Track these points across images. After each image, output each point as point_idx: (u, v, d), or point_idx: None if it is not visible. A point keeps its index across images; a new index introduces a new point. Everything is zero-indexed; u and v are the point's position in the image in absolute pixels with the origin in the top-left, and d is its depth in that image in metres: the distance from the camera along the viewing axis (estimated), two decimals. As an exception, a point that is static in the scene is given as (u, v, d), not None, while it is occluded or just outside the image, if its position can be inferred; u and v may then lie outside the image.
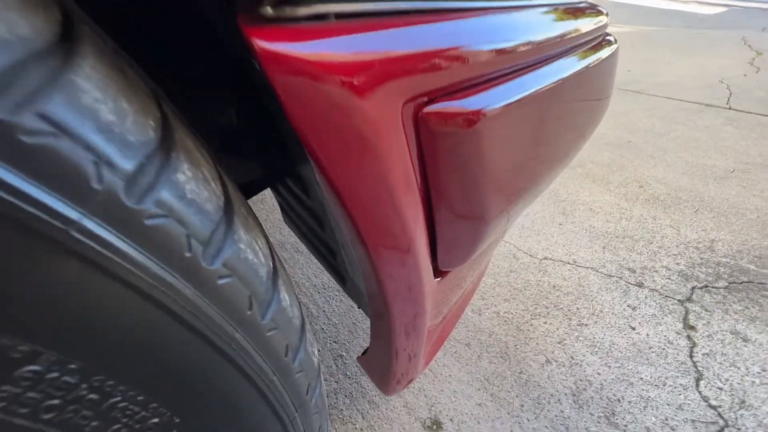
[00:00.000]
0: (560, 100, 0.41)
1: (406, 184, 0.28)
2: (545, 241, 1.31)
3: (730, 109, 2.39)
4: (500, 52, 0.31)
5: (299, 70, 0.19)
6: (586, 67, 0.45)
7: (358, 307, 1.07)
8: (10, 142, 0.09)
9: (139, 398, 0.17)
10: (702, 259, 1.22)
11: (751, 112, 2.32)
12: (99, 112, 0.12)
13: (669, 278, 1.15)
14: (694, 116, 2.29)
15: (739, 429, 0.78)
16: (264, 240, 0.24)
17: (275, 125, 0.46)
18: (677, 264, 1.20)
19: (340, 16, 0.20)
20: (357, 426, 0.80)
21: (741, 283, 1.13)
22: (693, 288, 1.11)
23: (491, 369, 0.90)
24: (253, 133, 0.59)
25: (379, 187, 0.26)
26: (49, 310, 0.13)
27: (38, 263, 0.11)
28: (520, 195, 0.40)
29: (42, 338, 0.13)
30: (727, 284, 1.12)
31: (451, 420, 0.80)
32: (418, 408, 0.83)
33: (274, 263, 0.24)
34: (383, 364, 0.57)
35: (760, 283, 1.12)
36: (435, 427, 0.79)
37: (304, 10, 0.19)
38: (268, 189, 0.73)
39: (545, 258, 1.23)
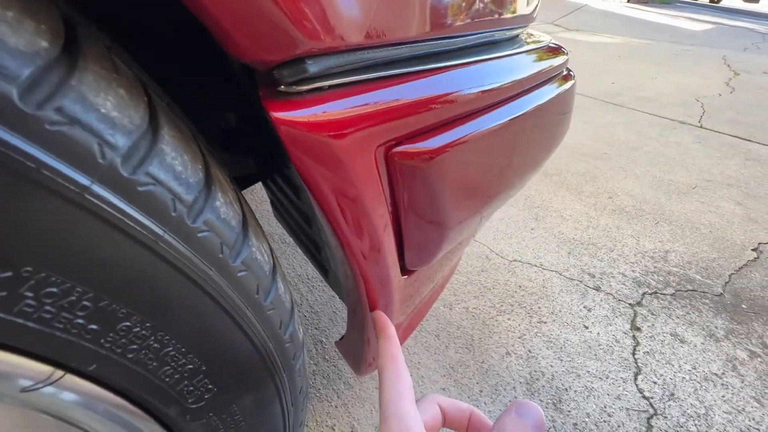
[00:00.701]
0: (511, 135, 0.49)
1: (378, 204, 0.36)
2: (516, 244, 1.41)
3: (701, 127, 2.53)
4: (456, 102, 0.39)
5: (301, 129, 0.26)
6: (539, 105, 0.53)
7: (339, 297, 1.15)
8: (39, 129, 0.16)
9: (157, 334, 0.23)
10: (655, 267, 1.34)
11: (719, 132, 2.47)
12: (98, 105, 0.18)
13: (624, 284, 1.26)
14: (667, 132, 2.42)
15: (666, 417, 0.90)
16: (237, 200, 0.30)
17: (270, 132, 0.53)
18: (633, 271, 1.32)
19: (331, 86, 0.28)
20: (332, 404, 0.88)
21: (686, 291, 1.25)
22: (644, 294, 1.23)
23: (456, 358, 1.00)
24: (249, 135, 0.66)
25: (357, 207, 0.34)
26: (106, 270, 0.20)
27: (61, 220, 0.18)
28: (472, 213, 0.49)
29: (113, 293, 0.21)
30: (673, 291, 1.24)
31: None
32: (388, 390, 0.92)
33: (244, 216, 0.30)
34: (357, 348, 0.65)
35: (703, 292, 1.25)
36: (402, 407, 0.89)
37: (306, 86, 0.26)
38: (259, 183, 0.80)
39: (515, 260, 1.34)
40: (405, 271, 0.51)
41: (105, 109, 0.18)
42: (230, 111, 0.63)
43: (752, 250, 1.46)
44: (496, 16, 0.47)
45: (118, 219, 0.18)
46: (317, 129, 0.27)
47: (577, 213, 1.60)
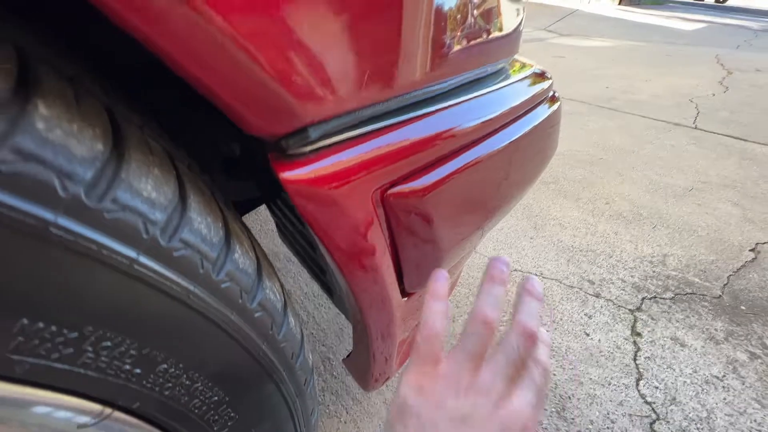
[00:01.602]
0: (499, 163, 0.53)
1: (376, 241, 0.40)
2: (516, 254, 1.44)
3: (696, 128, 2.57)
4: (444, 141, 0.43)
5: (305, 184, 0.30)
6: (526, 131, 0.57)
7: (344, 315, 1.18)
8: (99, 218, 0.19)
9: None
10: (654, 272, 1.36)
11: (714, 132, 2.51)
12: (141, 190, 0.22)
13: (623, 290, 1.29)
14: (662, 135, 2.46)
15: (668, 421, 0.92)
16: (252, 247, 0.32)
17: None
18: (632, 277, 1.34)
19: (330, 144, 0.32)
20: (342, 419, 0.91)
21: (685, 294, 1.27)
22: (643, 299, 1.25)
23: (461, 370, 1.02)
24: (252, 161, 0.69)
25: (358, 246, 0.38)
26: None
27: (115, 287, 0.21)
28: (466, 236, 0.52)
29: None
30: (673, 295, 1.27)
31: (424, 414, 0.92)
32: (396, 404, 0.94)
33: (258, 261, 0.33)
34: (363, 365, 0.68)
35: (702, 295, 1.27)
36: (410, 420, 0.91)
37: (309, 148, 0.30)
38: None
39: (515, 270, 1.36)
40: (405, 293, 0.55)
41: (146, 192, 0.22)
42: (234, 141, 0.67)
43: (750, 250, 1.48)
44: (480, 56, 0.51)
45: (159, 282, 0.22)
46: (319, 183, 0.31)
47: (576, 220, 1.63)
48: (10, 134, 0.17)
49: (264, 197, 0.83)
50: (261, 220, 1.56)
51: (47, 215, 0.18)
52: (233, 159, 0.70)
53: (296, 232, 0.76)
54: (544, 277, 1.33)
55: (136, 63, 0.41)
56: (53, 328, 0.19)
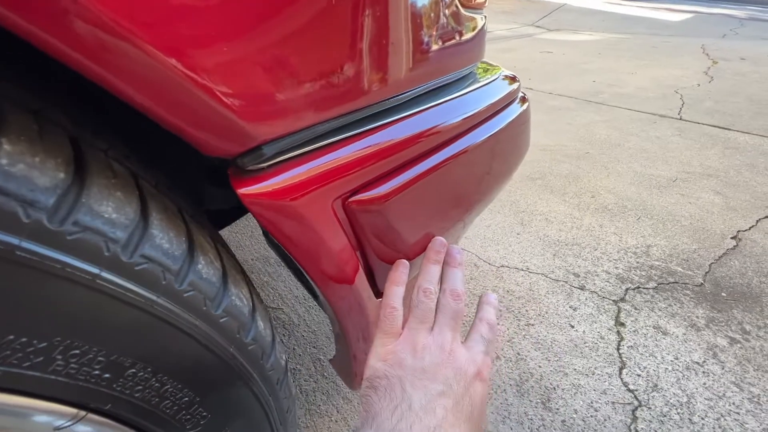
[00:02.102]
0: (463, 166, 0.56)
1: (342, 247, 0.42)
2: (503, 250, 1.47)
3: (680, 119, 2.60)
4: (405, 149, 0.45)
5: (264, 198, 0.33)
6: (490, 135, 0.60)
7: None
8: (62, 239, 0.21)
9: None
10: (638, 263, 1.39)
11: (698, 122, 2.54)
12: (102, 212, 0.24)
13: (608, 281, 1.32)
14: (648, 127, 2.49)
15: (650, 408, 0.94)
16: (218, 257, 0.35)
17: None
18: (616, 268, 1.37)
19: (286, 159, 0.35)
20: (333, 419, 0.94)
21: (668, 283, 1.30)
22: (627, 289, 1.28)
23: (449, 366, 1.05)
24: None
25: (324, 253, 0.40)
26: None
27: (80, 300, 0.24)
28: (434, 236, 0.55)
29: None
30: (656, 285, 1.30)
31: (413, 410, 0.95)
32: (385, 401, 0.97)
33: (224, 270, 0.35)
34: (346, 365, 0.71)
35: (684, 284, 1.30)
36: (399, 416, 0.94)
37: (265, 164, 0.33)
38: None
39: (502, 266, 1.39)
40: (378, 294, 0.57)
41: (107, 213, 0.24)
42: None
43: (731, 238, 1.51)
44: (441, 64, 0.53)
45: (122, 294, 0.24)
46: (277, 196, 0.33)
47: (562, 214, 1.66)
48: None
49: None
50: (252, 225, 1.58)
51: (12, 240, 0.20)
52: (215, 168, 0.72)
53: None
54: (530, 272, 1.36)
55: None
56: (23, 339, 0.21)
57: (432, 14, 0.45)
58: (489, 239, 1.53)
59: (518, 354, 1.08)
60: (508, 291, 1.28)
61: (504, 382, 1.01)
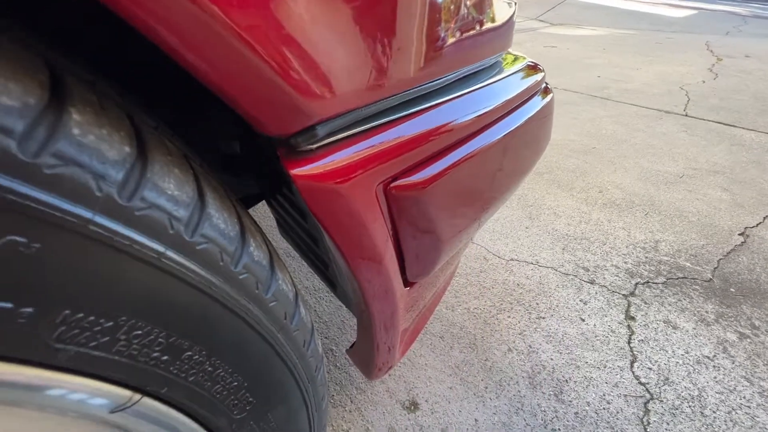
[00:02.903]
0: (496, 154, 0.55)
1: (380, 232, 0.41)
2: (512, 244, 1.46)
3: (686, 116, 2.60)
4: (443, 135, 0.44)
5: (313, 180, 0.32)
6: (520, 123, 0.59)
7: (347, 308, 1.20)
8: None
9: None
10: (647, 258, 1.40)
11: (704, 119, 2.54)
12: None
13: (617, 276, 1.32)
14: (654, 123, 2.49)
15: (662, 401, 0.95)
16: (264, 242, 0.33)
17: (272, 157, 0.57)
18: (625, 263, 1.37)
19: (336, 140, 0.34)
20: (347, 408, 0.94)
21: (677, 278, 1.31)
22: (636, 284, 1.29)
23: (461, 357, 1.05)
24: (252, 159, 0.70)
25: (362, 237, 0.39)
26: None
27: (147, 280, 0.23)
28: (465, 226, 0.54)
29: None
30: (665, 280, 1.30)
31: (426, 401, 0.95)
32: (398, 392, 0.97)
33: (270, 254, 0.33)
34: (368, 355, 0.70)
35: (693, 279, 1.31)
36: (413, 407, 0.94)
37: (316, 145, 0.32)
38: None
39: (512, 259, 1.39)
40: (407, 283, 0.57)
41: (170, 190, 0.23)
42: (235, 139, 0.68)
43: (739, 234, 1.52)
44: (475, 52, 0.52)
45: (184, 274, 0.23)
46: (327, 178, 0.32)
47: (570, 209, 1.66)
48: (51, 140, 0.18)
49: (264, 193, 0.83)
50: (257, 216, 1.57)
51: (86, 214, 0.19)
52: (232, 156, 0.71)
53: (298, 227, 0.78)
54: (540, 266, 1.36)
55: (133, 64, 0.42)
56: (91, 318, 0.21)
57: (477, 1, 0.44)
58: (498, 233, 1.52)
59: (530, 346, 1.08)
60: (518, 284, 1.28)
61: (516, 374, 1.01)
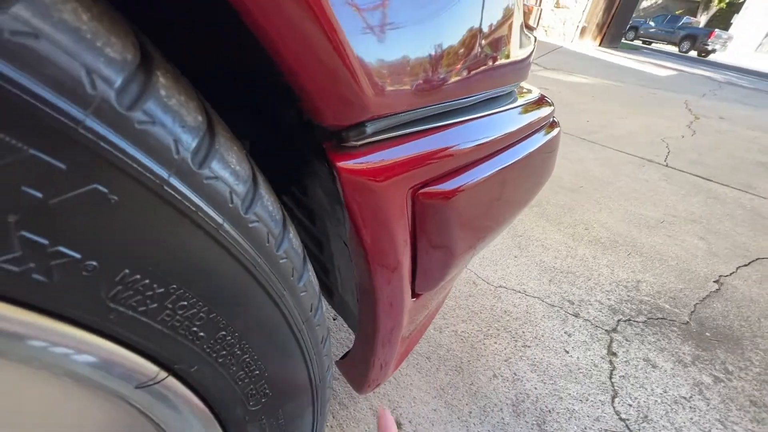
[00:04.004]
0: (513, 174, 0.57)
1: (403, 234, 0.42)
2: (501, 271, 1.48)
3: (667, 166, 2.74)
4: (472, 150, 0.46)
5: (354, 175, 0.32)
6: (535, 148, 0.61)
7: (334, 320, 1.18)
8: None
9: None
10: (628, 296, 1.44)
11: (683, 171, 2.68)
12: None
13: (600, 311, 1.35)
14: (637, 169, 2.61)
15: (640, 438, 0.96)
16: (296, 234, 0.34)
17: (288, 157, 0.56)
18: (608, 299, 1.41)
19: (378, 140, 0.35)
20: (329, 424, 0.91)
21: (657, 319, 1.35)
22: (618, 320, 1.32)
23: (447, 380, 1.04)
24: (264, 156, 0.70)
25: (386, 235, 0.40)
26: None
27: (201, 250, 0.23)
28: (478, 241, 0.55)
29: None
30: (645, 319, 1.34)
31: (409, 422, 0.93)
32: (382, 410, 0.95)
33: (304, 245, 0.34)
34: (360, 368, 0.69)
35: (671, 320, 1.35)
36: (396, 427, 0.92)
37: (362, 141, 0.33)
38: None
39: (500, 286, 1.41)
40: (415, 294, 0.57)
41: (233, 164, 0.24)
42: (246, 138, 0.68)
43: (714, 282, 1.58)
44: (507, 76, 0.55)
45: (237, 250, 0.23)
46: (369, 174, 0.33)
47: (557, 243, 1.70)
48: (143, 97, 0.18)
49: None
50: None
51: (163, 173, 0.19)
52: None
53: (303, 231, 0.77)
54: (527, 295, 1.38)
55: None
56: (146, 281, 0.20)
57: (513, 29, 0.47)
58: (488, 259, 1.54)
59: (515, 374, 1.08)
60: (505, 311, 1.29)
61: (501, 401, 1.00)
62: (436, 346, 1.14)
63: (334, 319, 1.17)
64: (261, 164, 0.71)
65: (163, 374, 0.25)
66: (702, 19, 24.10)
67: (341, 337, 1.14)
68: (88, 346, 0.21)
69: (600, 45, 9.76)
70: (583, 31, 9.26)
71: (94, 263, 0.18)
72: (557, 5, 8.99)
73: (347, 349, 0.70)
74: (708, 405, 1.07)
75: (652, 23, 17.65)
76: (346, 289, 0.65)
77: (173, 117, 0.20)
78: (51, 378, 0.23)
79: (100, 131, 0.17)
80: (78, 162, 0.16)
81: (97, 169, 0.17)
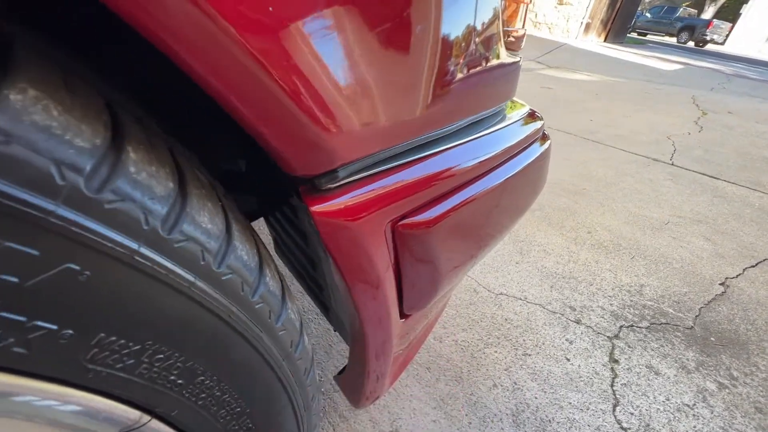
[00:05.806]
0: (496, 197, 0.58)
1: (384, 266, 0.43)
2: (502, 278, 1.49)
3: (672, 165, 2.71)
4: (449, 178, 0.47)
5: (329, 216, 0.34)
6: (521, 168, 0.62)
7: (334, 331, 1.20)
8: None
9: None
10: (632, 301, 1.43)
11: (689, 170, 2.65)
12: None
13: (602, 317, 1.34)
14: (642, 169, 2.59)
15: (642, 447, 0.96)
16: (276, 272, 0.36)
17: (279, 179, 0.57)
18: (611, 305, 1.40)
19: (352, 181, 0.36)
20: (329, 436, 0.92)
21: (660, 324, 1.34)
22: (621, 327, 1.31)
23: (446, 390, 1.05)
24: (253, 177, 0.71)
25: (370, 267, 0.41)
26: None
27: (173, 307, 0.25)
28: (459, 266, 0.56)
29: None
30: (648, 324, 1.33)
31: (409, 433, 0.94)
32: (382, 422, 0.96)
33: (282, 285, 0.36)
34: (356, 382, 0.70)
35: (675, 325, 1.34)
36: (396, 439, 0.93)
37: (335, 184, 0.34)
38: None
39: (501, 293, 1.41)
40: (403, 315, 0.58)
41: (204, 223, 0.25)
42: (241, 158, 0.70)
43: (720, 284, 1.57)
44: (484, 102, 0.56)
45: (210, 303, 0.25)
46: (344, 215, 0.34)
47: (559, 247, 1.70)
48: (112, 178, 0.20)
49: (263, 211, 0.84)
50: (254, 232, 1.57)
51: (133, 245, 0.21)
52: (235, 174, 0.73)
53: (296, 248, 0.79)
54: (528, 302, 1.38)
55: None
56: (122, 341, 0.22)
57: (483, 57, 0.48)
58: (488, 266, 1.55)
59: (515, 383, 1.09)
60: (506, 319, 1.30)
61: (501, 411, 1.01)
62: (437, 356, 1.15)
63: (334, 330, 1.19)
64: (255, 181, 0.72)
65: (146, 418, 0.27)
66: (710, 11, 23.74)
67: (342, 349, 1.15)
68: (71, 398, 0.23)
69: (605, 41, 9.67)
70: (587, 27, 9.19)
71: (70, 331, 0.20)
72: (560, 2, 8.93)
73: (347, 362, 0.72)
74: (712, 412, 1.06)
75: (648, 14, 17.54)
76: (339, 306, 0.67)
77: (142, 191, 0.21)
78: (37, 427, 0.25)
79: (70, 217, 0.18)
80: (50, 247, 0.18)
81: (69, 250, 0.18)
